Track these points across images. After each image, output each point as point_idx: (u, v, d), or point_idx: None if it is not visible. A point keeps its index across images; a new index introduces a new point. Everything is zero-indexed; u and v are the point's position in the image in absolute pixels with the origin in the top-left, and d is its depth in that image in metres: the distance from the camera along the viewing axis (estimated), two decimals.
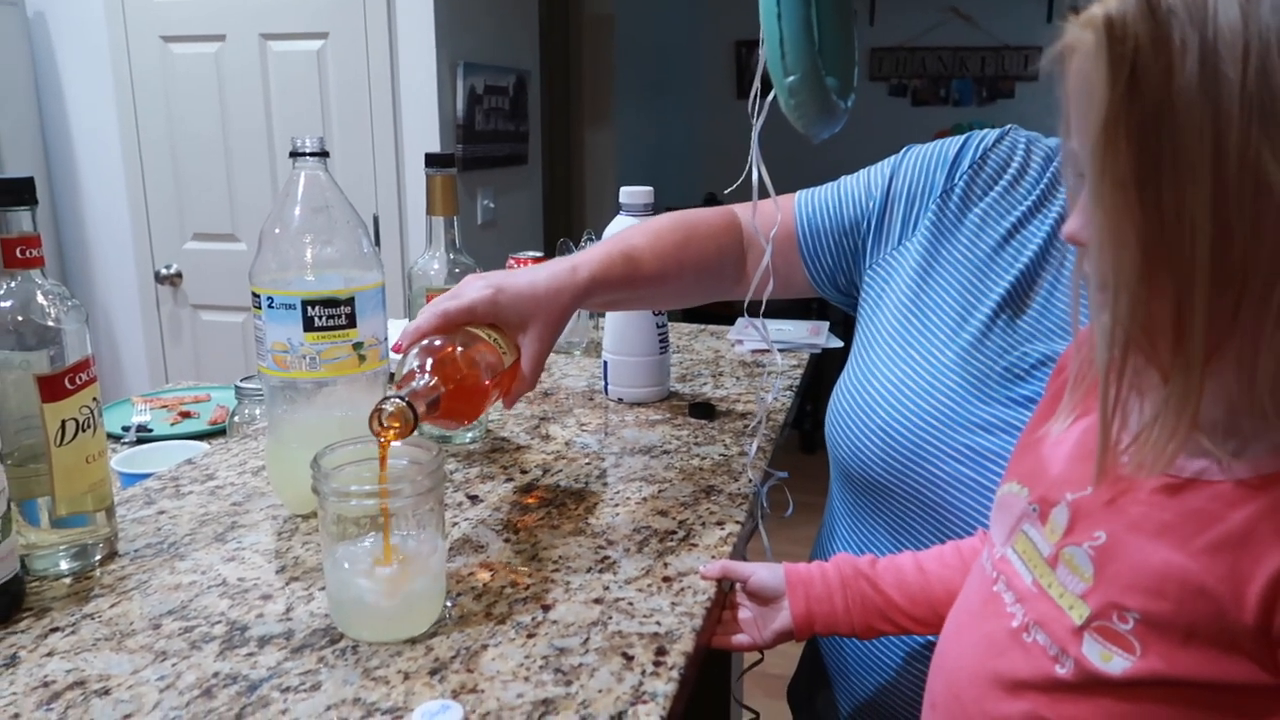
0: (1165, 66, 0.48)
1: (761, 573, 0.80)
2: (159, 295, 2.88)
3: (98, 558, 0.82)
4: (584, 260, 0.92)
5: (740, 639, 0.81)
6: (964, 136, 0.93)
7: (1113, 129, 0.50)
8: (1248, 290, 0.49)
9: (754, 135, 0.87)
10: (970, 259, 0.88)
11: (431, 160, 1.07)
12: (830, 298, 1.02)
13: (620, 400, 1.27)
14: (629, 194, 1.22)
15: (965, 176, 0.91)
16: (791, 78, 0.92)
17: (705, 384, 1.35)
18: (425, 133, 2.64)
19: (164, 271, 2.84)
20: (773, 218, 0.97)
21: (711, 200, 5.50)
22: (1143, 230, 0.50)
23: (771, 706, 1.32)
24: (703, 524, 0.90)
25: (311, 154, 0.86)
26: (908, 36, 5.51)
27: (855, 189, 0.99)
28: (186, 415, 1.48)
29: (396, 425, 0.71)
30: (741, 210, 1.03)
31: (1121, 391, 0.54)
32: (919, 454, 0.82)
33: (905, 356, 0.87)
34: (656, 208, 1.23)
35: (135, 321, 2.93)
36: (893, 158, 0.98)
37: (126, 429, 1.38)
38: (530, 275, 0.89)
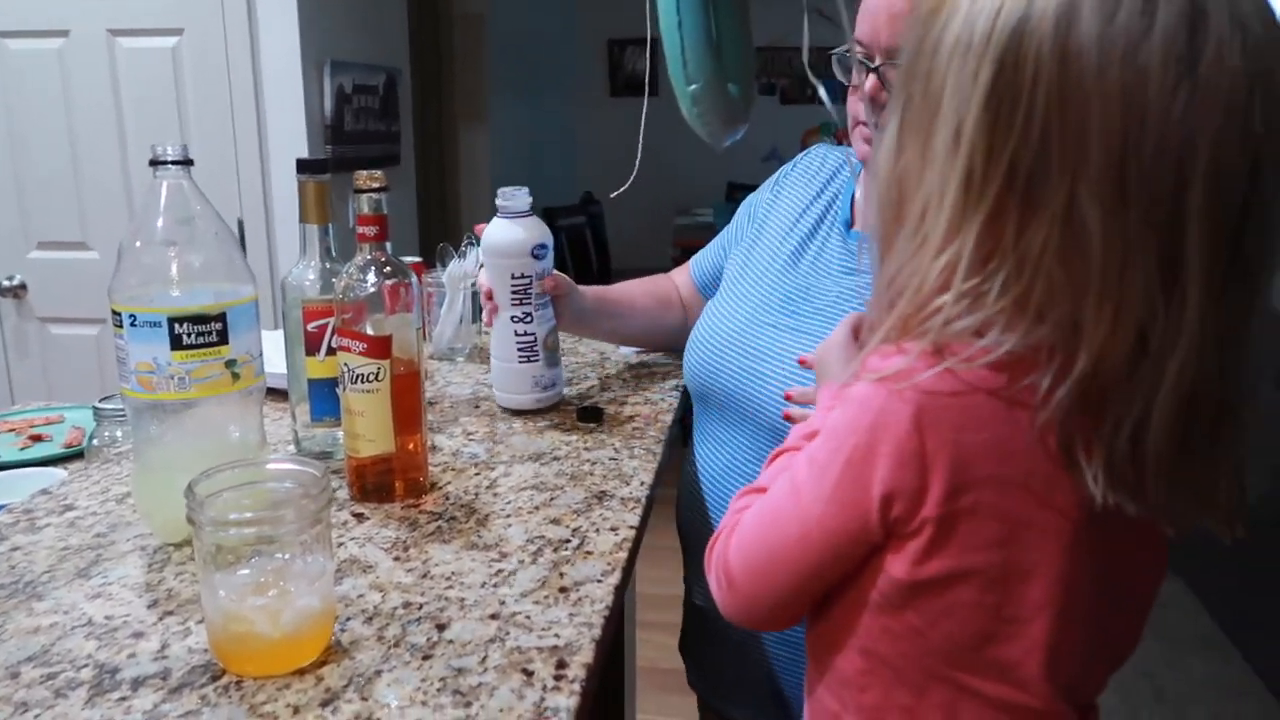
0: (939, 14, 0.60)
1: None
2: (1, 309, 2.69)
3: None
4: None
5: None
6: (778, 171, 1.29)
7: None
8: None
9: (640, 142, 0.87)
10: (780, 230, 1.17)
11: (304, 166, 1.03)
12: None
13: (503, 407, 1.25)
14: (506, 195, 1.17)
15: (774, 188, 1.25)
16: (694, 86, 0.93)
17: (593, 386, 1.35)
18: (292, 133, 2.54)
19: (6, 283, 2.65)
20: (685, 279, 1.41)
21: (589, 199, 5.53)
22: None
23: (667, 703, 1.34)
24: (596, 530, 0.89)
25: (175, 162, 0.81)
26: (775, 36, 5.63)
27: (723, 234, 1.35)
28: (38, 439, 1.38)
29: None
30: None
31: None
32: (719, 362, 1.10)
33: (722, 299, 1.18)
34: (534, 208, 1.20)
35: None
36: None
37: None
38: None
